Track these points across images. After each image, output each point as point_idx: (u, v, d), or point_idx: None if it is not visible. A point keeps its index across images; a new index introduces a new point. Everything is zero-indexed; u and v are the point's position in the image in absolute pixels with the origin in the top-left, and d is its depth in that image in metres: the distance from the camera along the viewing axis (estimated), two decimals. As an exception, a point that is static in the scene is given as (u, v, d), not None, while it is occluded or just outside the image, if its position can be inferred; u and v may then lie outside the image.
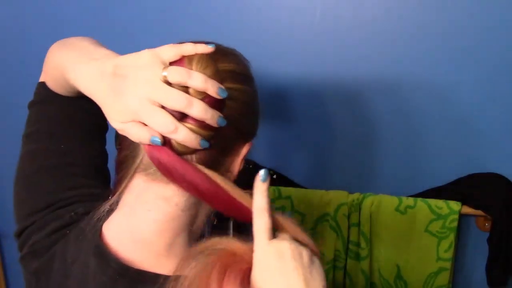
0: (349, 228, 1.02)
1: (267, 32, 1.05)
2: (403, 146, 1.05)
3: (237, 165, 0.58)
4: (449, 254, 0.99)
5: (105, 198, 0.59)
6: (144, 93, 0.49)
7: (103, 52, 0.57)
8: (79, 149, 0.65)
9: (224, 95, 0.50)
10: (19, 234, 0.63)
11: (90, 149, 0.66)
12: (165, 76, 0.49)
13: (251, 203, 0.51)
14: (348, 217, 1.02)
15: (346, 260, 1.04)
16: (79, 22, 1.14)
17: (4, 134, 1.24)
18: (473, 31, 0.94)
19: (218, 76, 0.51)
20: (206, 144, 0.50)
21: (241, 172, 1.20)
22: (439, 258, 1.00)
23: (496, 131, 0.98)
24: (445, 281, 1.00)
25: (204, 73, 0.50)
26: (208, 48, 0.52)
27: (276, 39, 1.05)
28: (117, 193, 0.57)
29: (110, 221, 0.57)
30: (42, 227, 0.61)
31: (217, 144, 0.53)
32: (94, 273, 0.54)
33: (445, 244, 0.99)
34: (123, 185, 0.56)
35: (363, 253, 1.01)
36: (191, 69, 0.50)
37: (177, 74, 0.49)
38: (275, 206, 1.06)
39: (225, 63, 0.54)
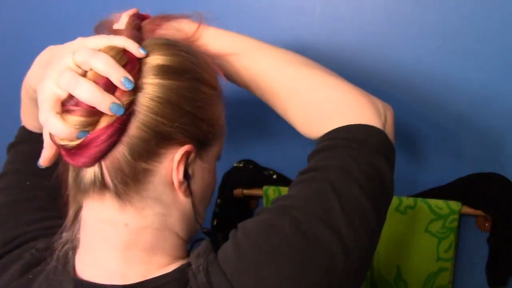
0: (349, 228, 1.02)
1: (266, 32, 1.05)
2: (403, 146, 1.05)
3: (175, 173, 0.50)
4: (449, 254, 0.99)
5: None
6: (48, 81, 0.46)
7: (53, 46, 0.56)
8: (45, 183, 0.61)
9: (129, 86, 0.45)
10: None
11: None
12: (73, 59, 0.46)
13: None
14: (348, 217, 1.02)
15: (346, 260, 1.04)
16: (79, 22, 1.14)
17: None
18: (474, 31, 0.94)
19: (135, 66, 0.47)
20: (83, 135, 0.45)
21: (241, 173, 1.20)
22: (439, 258, 1.00)
23: (496, 131, 0.98)
24: (445, 281, 1.00)
25: (116, 59, 0.46)
26: (138, 52, 0.48)
27: (275, 39, 1.04)
28: (70, 220, 0.52)
29: (79, 257, 0.52)
30: (2, 272, 0.56)
31: (127, 147, 0.47)
32: None
33: (445, 244, 0.99)
34: (72, 210, 0.52)
35: (363, 253, 1.01)
36: (110, 55, 0.46)
37: (81, 54, 0.45)
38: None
39: (156, 55, 0.49)
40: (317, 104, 0.59)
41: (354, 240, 0.49)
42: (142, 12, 0.64)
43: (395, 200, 1.00)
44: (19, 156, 0.67)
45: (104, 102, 0.45)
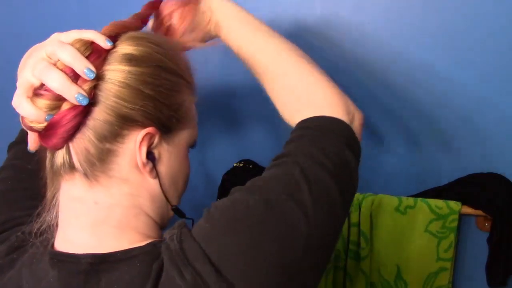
0: (349, 228, 1.02)
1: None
2: (403, 146, 1.05)
3: (138, 153, 0.53)
4: (449, 254, 0.99)
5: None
6: (25, 70, 0.50)
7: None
8: (36, 180, 0.63)
9: (91, 76, 0.50)
10: None
11: None
12: (45, 50, 0.50)
13: None
14: (348, 217, 1.02)
15: (346, 260, 1.04)
16: (80, 22, 1.14)
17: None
18: (474, 29, 0.94)
19: (100, 55, 0.51)
20: (50, 118, 0.50)
21: (241, 173, 1.20)
22: (439, 258, 1.00)
23: (496, 131, 0.98)
24: (445, 281, 1.00)
25: (80, 51, 0.50)
26: (105, 44, 0.52)
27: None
28: (49, 201, 0.56)
29: (57, 235, 0.55)
30: None
31: (92, 129, 0.51)
32: (59, 283, 0.51)
33: (445, 244, 0.99)
34: (50, 193, 0.55)
35: (363, 253, 1.01)
36: (76, 47, 0.50)
37: (50, 46, 0.50)
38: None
39: (124, 45, 0.54)
40: (298, 90, 0.66)
41: (318, 218, 0.53)
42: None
43: (395, 200, 1.00)
44: (18, 153, 0.72)
45: (70, 91, 0.49)
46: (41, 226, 0.57)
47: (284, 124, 1.13)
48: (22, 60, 0.62)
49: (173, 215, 0.61)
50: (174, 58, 0.57)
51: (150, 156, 0.54)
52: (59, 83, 0.49)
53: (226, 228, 0.51)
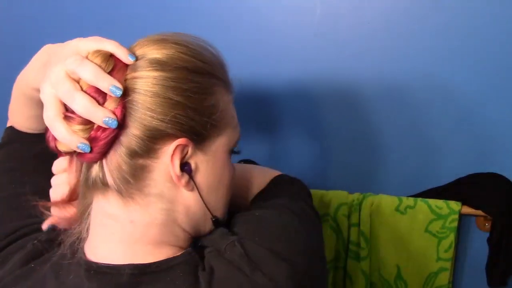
0: (349, 228, 1.02)
1: (266, 32, 1.05)
2: (403, 146, 1.04)
3: (171, 167, 0.50)
4: (449, 254, 0.99)
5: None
6: (48, 85, 0.47)
7: (51, 45, 0.57)
8: (42, 179, 0.61)
9: (118, 93, 0.46)
10: None
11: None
12: (65, 68, 0.47)
13: None
14: (348, 217, 1.02)
15: (346, 260, 1.03)
16: (80, 22, 1.14)
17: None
18: (475, 28, 0.94)
19: (120, 67, 0.48)
20: (86, 149, 0.47)
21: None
22: (439, 258, 1.00)
23: (496, 131, 0.98)
24: (445, 281, 1.00)
25: (102, 67, 0.47)
26: (127, 59, 0.48)
27: (275, 39, 1.04)
28: (79, 214, 0.54)
29: (88, 247, 0.53)
30: (4, 262, 0.56)
31: (124, 145, 0.48)
32: None
33: (445, 244, 0.99)
34: (82, 206, 0.53)
35: (363, 253, 1.01)
36: (97, 63, 0.47)
37: (70, 64, 0.46)
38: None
39: (148, 50, 0.50)
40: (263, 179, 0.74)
41: (307, 228, 0.61)
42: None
43: (395, 200, 1.00)
44: (11, 155, 0.67)
45: (97, 116, 0.46)
46: (67, 235, 0.54)
47: (283, 125, 1.13)
48: (35, 66, 0.58)
49: (212, 225, 0.57)
50: (202, 56, 0.53)
51: (186, 168, 0.51)
52: (84, 108, 0.46)
53: (281, 230, 0.56)
